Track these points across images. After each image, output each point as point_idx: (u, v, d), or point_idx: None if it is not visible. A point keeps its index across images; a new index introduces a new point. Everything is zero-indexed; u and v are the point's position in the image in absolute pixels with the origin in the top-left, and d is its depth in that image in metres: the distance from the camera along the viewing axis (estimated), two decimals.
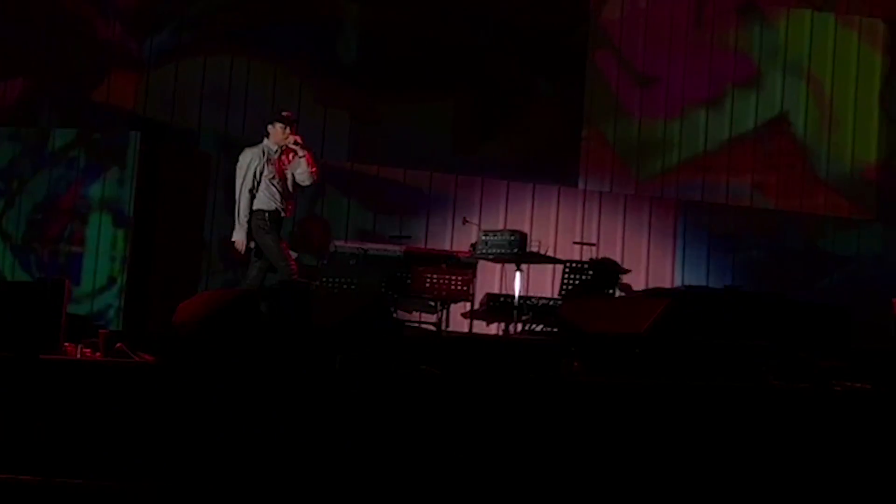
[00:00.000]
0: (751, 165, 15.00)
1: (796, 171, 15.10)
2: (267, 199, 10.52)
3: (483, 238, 12.02)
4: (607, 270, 12.25)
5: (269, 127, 10.67)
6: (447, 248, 13.09)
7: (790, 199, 15.03)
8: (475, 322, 12.26)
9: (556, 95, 13.97)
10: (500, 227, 13.47)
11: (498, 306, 12.11)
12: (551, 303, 11.94)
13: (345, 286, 11.49)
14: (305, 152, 10.62)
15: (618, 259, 13.46)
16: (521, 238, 11.86)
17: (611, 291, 12.15)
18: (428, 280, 11.72)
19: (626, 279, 12.65)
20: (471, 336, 11.53)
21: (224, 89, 14.09)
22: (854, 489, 6.66)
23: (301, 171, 10.66)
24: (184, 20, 14.18)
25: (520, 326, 11.71)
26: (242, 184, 10.52)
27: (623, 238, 14.56)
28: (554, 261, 12.43)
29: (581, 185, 14.66)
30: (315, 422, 7.24)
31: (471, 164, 14.29)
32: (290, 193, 10.71)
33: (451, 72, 14.32)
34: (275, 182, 10.54)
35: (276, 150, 10.66)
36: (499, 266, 13.21)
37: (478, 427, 7.28)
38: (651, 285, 13.82)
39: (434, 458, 7.22)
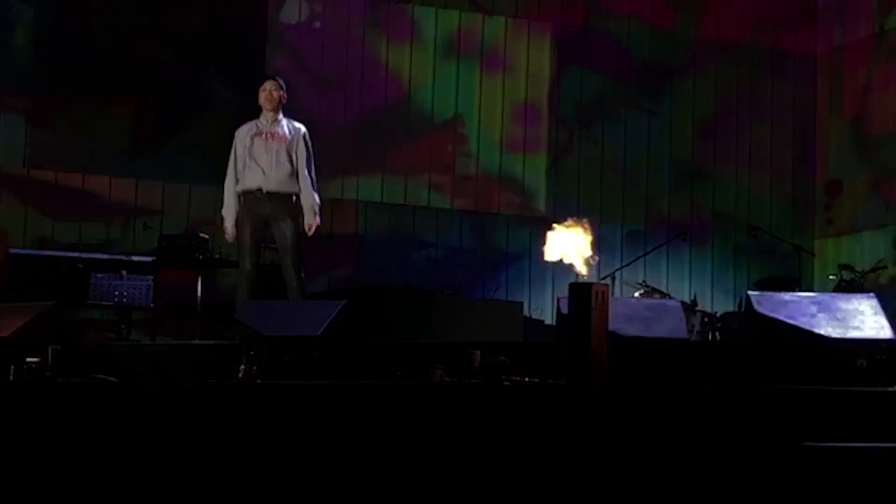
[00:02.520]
0: (427, 166, 15.36)
1: (470, 171, 15.55)
2: (249, 179, 10.03)
3: (164, 244, 12.00)
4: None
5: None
6: (128, 254, 12.85)
7: (465, 197, 15.47)
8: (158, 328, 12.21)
9: (234, 99, 13.98)
10: (184, 232, 13.28)
11: (179, 311, 12.10)
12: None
13: (21, 295, 11.25)
14: None
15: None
16: (202, 243, 11.89)
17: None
18: (108, 287, 11.63)
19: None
20: (151, 343, 11.49)
21: None
22: (524, 480, 6.91)
23: None
24: None
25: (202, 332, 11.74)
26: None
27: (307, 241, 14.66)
28: (233, 265, 12.44)
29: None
30: None
31: (152, 168, 14.14)
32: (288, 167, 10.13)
33: (129, 76, 14.12)
34: (258, 156, 10.06)
35: (268, 121, 10.18)
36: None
37: (157, 434, 7.31)
38: (334, 287, 14.00)
39: (112, 466, 7.22)
